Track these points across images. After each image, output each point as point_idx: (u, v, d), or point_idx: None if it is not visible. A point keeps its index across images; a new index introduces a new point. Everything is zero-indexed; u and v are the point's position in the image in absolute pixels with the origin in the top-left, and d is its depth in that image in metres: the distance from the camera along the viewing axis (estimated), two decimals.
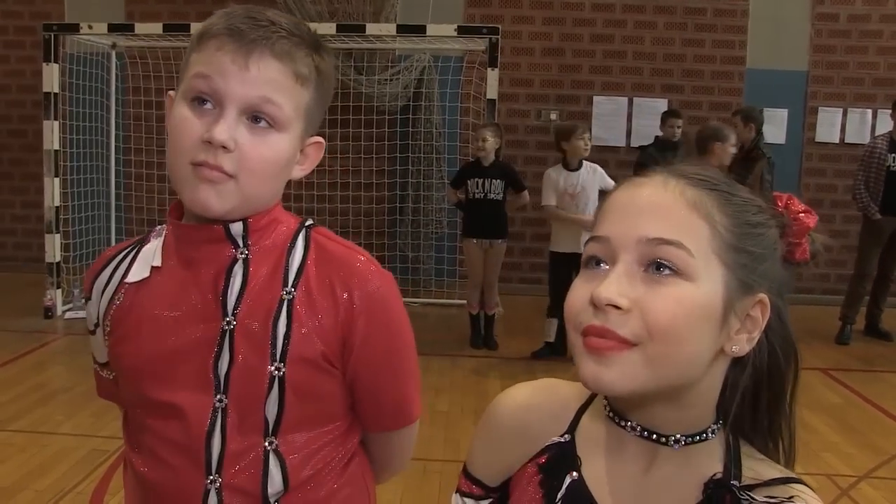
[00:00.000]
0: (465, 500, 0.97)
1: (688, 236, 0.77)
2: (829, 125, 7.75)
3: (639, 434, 0.84)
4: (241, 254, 1.08)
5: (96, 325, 1.17)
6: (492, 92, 6.16)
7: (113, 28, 6.55)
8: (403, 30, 6.49)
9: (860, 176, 6.23)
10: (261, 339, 1.06)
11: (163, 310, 1.08)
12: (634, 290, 0.77)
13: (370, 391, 1.15)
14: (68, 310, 6.41)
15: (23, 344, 5.53)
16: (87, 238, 7.05)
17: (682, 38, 7.69)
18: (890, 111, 6.26)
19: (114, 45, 7.17)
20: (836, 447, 4.07)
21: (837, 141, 7.74)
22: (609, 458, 0.86)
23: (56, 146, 6.34)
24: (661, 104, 7.45)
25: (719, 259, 0.78)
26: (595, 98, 7.74)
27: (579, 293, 0.80)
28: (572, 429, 0.90)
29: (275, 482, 1.07)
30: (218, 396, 1.06)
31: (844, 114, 7.73)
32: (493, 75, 6.15)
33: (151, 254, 1.13)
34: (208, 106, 1.02)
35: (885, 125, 7.08)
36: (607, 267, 0.80)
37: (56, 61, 6.29)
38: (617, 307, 0.76)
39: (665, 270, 0.77)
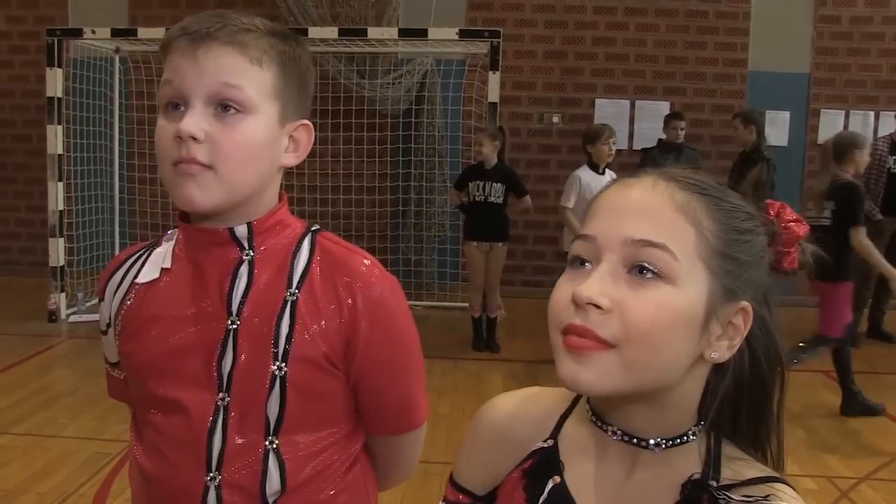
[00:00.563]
0: None
1: (673, 240, 0.77)
2: (831, 127, 7.72)
3: (619, 438, 0.84)
4: (247, 256, 1.11)
5: (108, 326, 1.19)
6: (493, 95, 6.16)
7: (116, 33, 6.58)
8: (405, 33, 6.50)
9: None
10: (263, 338, 1.08)
11: (170, 310, 1.11)
12: (617, 291, 0.77)
13: (374, 394, 1.16)
14: (72, 313, 6.43)
15: (27, 347, 5.55)
16: (91, 242, 7.08)
17: (683, 40, 7.69)
18: (894, 113, 6.27)
19: (117, 50, 7.19)
20: (836, 449, 4.07)
21: None
22: (591, 462, 0.87)
23: (60, 150, 6.36)
24: (664, 107, 7.46)
25: (704, 264, 0.78)
26: (597, 101, 7.75)
27: (562, 292, 0.80)
28: (555, 434, 0.90)
29: (273, 482, 1.08)
30: (220, 395, 1.08)
31: (847, 116, 7.71)
32: (494, 79, 6.15)
33: (162, 256, 1.16)
34: (180, 109, 1.06)
35: (887, 127, 7.09)
36: (591, 266, 0.80)
37: (60, 66, 6.32)
38: (598, 306, 0.76)
39: (648, 273, 0.77)
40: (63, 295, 6.44)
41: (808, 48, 7.69)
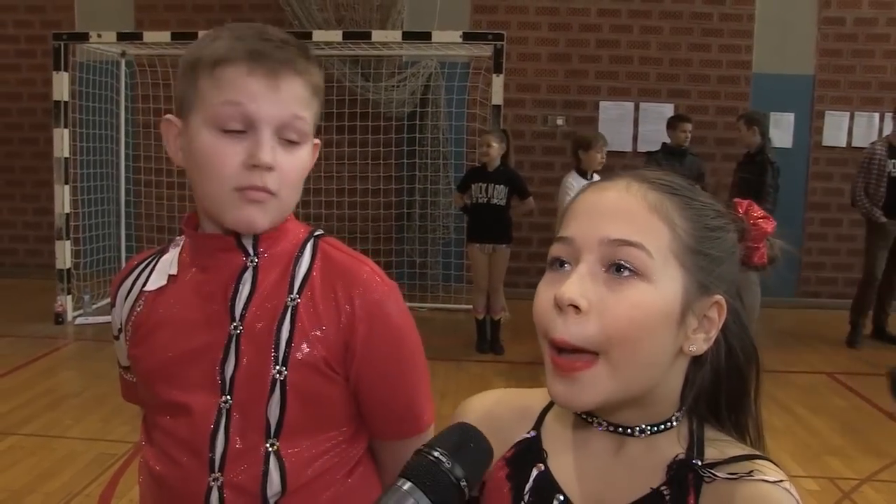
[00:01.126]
0: None
1: (648, 238, 0.80)
2: (835, 129, 7.73)
3: (605, 428, 0.87)
4: (251, 262, 1.13)
5: (119, 331, 1.22)
6: (497, 98, 6.18)
7: (122, 36, 6.63)
8: (409, 36, 6.52)
9: (860, 182, 6.21)
10: (264, 343, 1.10)
11: (177, 315, 1.14)
12: (596, 291, 0.79)
13: (375, 398, 1.17)
14: (78, 316, 6.46)
15: (33, 349, 5.59)
16: (97, 245, 7.11)
17: (688, 42, 7.70)
18: (891, 114, 6.25)
19: (123, 54, 7.23)
20: (839, 450, 4.07)
21: (844, 145, 7.71)
22: (575, 451, 0.89)
23: (66, 154, 6.40)
24: (668, 109, 7.46)
25: (678, 261, 0.81)
26: (601, 103, 7.76)
27: (544, 296, 0.83)
28: (538, 426, 0.93)
29: (273, 484, 1.10)
30: (223, 398, 1.10)
31: (851, 118, 7.71)
32: (498, 81, 6.17)
33: (169, 263, 1.18)
34: (240, 130, 1.06)
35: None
36: (571, 268, 0.82)
37: (66, 70, 6.36)
38: (577, 307, 0.79)
39: (625, 272, 0.80)
40: (69, 297, 6.47)
41: (812, 50, 7.69)
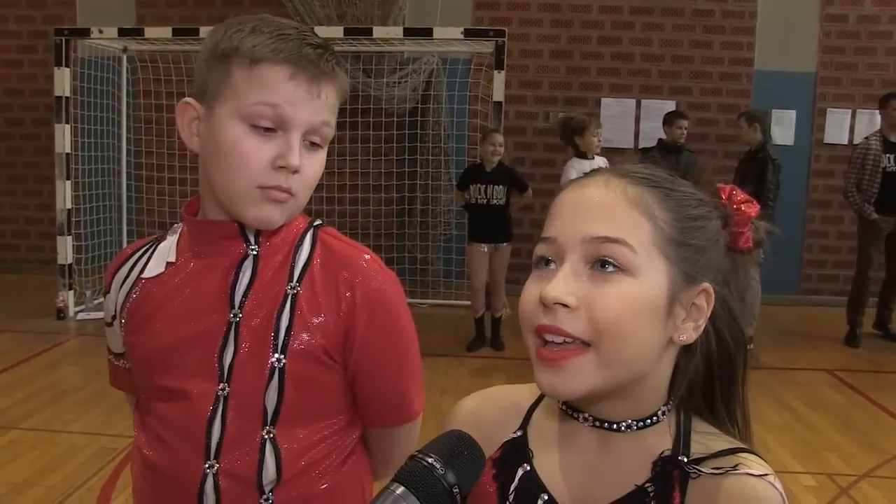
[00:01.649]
0: None
1: (630, 233, 0.81)
2: (837, 126, 7.72)
3: (591, 424, 0.87)
4: (252, 250, 1.14)
5: (114, 317, 1.22)
6: (498, 94, 6.17)
7: (123, 32, 6.62)
8: (411, 33, 6.52)
9: (852, 178, 6.15)
10: (264, 331, 1.11)
11: (174, 303, 1.14)
12: (581, 288, 0.80)
13: (371, 387, 1.18)
14: (80, 311, 6.48)
15: (35, 344, 5.60)
16: (98, 240, 7.13)
17: (689, 39, 7.69)
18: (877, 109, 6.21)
19: (124, 49, 7.24)
20: (837, 447, 4.08)
21: (846, 142, 7.69)
22: (561, 449, 0.90)
23: (68, 149, 6.41)
24: (669, 106, 7.44)
25: (661, 253, 0.82)
26: (603, 100, 7.75)
27: (530, 294, 0.83)
28: (525, 425, 0.94)
29: (269, 471, 1.11)
30: (221, 385, 1.11)
31: (853, 115, 7.70)
32: (499, 78, 6.17)
33: (167, 250, 1.19)
34: (270, 128, 1.07)
35: None
36: (556, 266, 0.83)
37: (67, 65, 6.36)
38: (565, 305, 0.79)
39: (609, 267, 0.80)
40: (71, 293, 6.49)
41: (814, 47, 7.68)
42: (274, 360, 1.10)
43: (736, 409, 0.91)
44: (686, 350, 0.86)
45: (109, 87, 7.27)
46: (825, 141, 7.75)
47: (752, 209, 0.91)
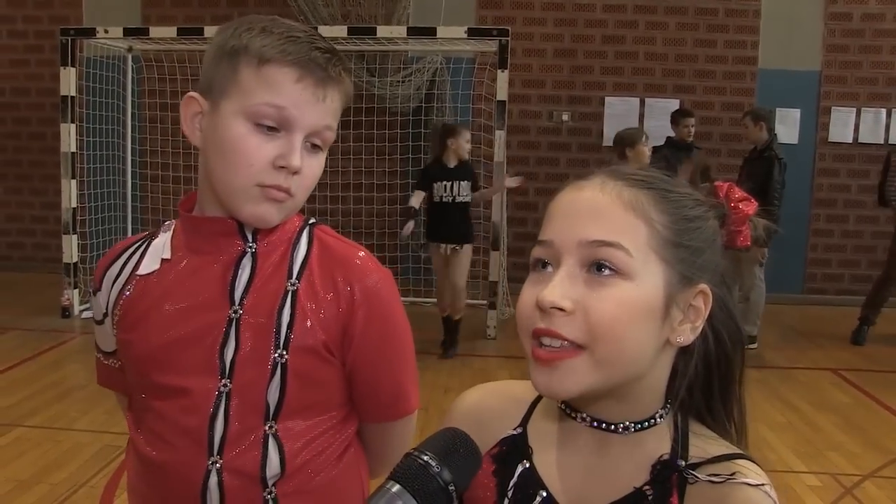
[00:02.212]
0: None
1: (626, 236, 0.80)
2: (842, 125, 7.71)
3: (589, 424, 0.87)
4: (250, 247, 1.15)
5: (105, 315, 1.22)
6: (502, 94, 6.17)
7: (129, 32, 6.64)
8: (415, 32, 6.52)
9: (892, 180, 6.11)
10: (266, 327, 1.11)
11: (172, 299, 1.14)
12: (577, 292, 0.80)
13: (368, 382, 1.20)
14: (85, 309, 6.48)
15: (40, 343, 5.63)
16: (103, 239, 7.14)
17: (693, 38, 7.68)
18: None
19: (130, 49, 7.26)
20: (841, 446, 4.07)
21: (851, 141, 7.69)
22: (560, 448, 0.90)
23: (73, 148, 6.43)
24: (673, 105, 7.43)
25: (658, 256, 0.81)
26: (607, 99, 7.75)
27: (527, 297, 0.83)
28: (524, 422, 0.94)
29: (273, 466, 1.12)
30: (223, 381, 1.11)
31: (858, 114, 7.69)
32: (502, 77, 6.16)
33: (161, 247, 1.19)
34: (273, 128, 1.08)
35: None
36: (552, 269, 0.83)
37: (73, 65, 6.38)
38: (561, 309, 0.79)
39: (605, 271, 0.80)
40: (76, 291, 6.51)
41: (818, 45, 7.66)
42: (276, 355, 1.11)
43: (733, 407, 0.91)
44: (684, 351, 0.86)
45: (115, 87, 7.28)
46: (830, 140, 7.73)
47: (750, 207, 0.92)
